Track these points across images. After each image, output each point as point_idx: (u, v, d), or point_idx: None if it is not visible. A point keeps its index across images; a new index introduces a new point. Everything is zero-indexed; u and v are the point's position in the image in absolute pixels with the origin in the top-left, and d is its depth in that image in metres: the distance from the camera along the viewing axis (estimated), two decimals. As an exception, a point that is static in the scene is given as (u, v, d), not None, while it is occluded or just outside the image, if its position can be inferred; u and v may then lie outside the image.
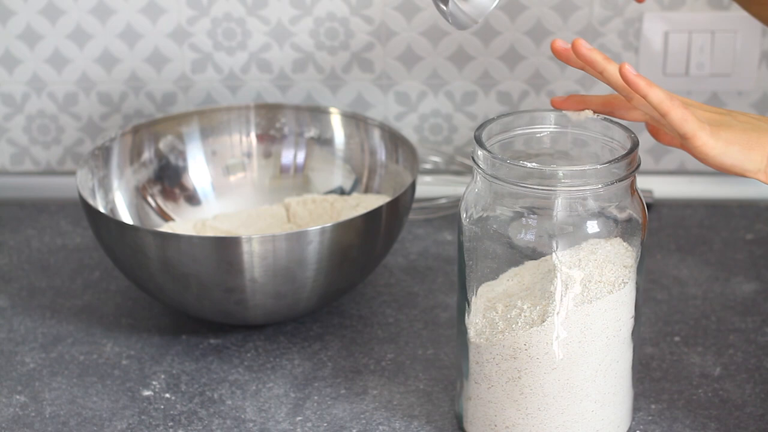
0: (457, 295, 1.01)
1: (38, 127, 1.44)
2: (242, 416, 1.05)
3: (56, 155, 1.46)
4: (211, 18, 1.38)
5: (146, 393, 1.08)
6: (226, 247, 1.07)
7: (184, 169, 1.29)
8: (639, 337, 0.99)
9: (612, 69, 0.91)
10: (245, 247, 1.06)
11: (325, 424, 1.04)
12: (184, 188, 1.29)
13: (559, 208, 0.92)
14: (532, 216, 0.93)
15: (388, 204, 1.12)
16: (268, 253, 1.07)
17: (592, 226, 0.93)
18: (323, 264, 1.09)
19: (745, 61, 1.37)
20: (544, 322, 0.93)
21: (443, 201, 1.38)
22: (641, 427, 1.03)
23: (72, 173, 1.43)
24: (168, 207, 1.28)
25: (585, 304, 0.93)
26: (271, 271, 1.08)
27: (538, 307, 0.94)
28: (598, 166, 0.91)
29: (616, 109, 0.98)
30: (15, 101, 1.43)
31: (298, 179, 1.31)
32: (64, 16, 1.39)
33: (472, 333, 0.97)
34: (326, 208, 1.26)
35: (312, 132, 1.31)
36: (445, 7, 0.99)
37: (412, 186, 1.16)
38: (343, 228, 1.09)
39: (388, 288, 1.24)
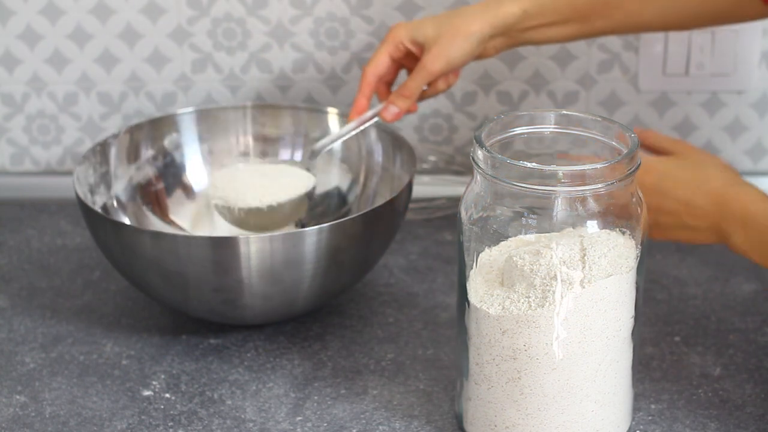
0: (457, 295, 1.01)
1: (38, 127, 1.44)
2: (242, 416, 1.05)
3: (56, 155, 1.46)
4: (211, 18, 1.38)
5: (146, 393, 1.08)
6: (223, 247, 1.07)
7: (182, 169, 1.29)
8: (639, 337, 0.99)
9: None
10: (242, 248, 1.06)
11: (325, 424, 1.04)
12: (181, 188, 1.29)
13: (559, 208, 0.92)
14: (532, 216, 0.93)
15: (386, 204, 1.12)
16: (265, 253, 1.07)
17: (592, 226, 0.93)
18: (320, 264, 1.09)
19: (745, 61, 1.37)
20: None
21: (443, 201, 1.38)
22: (641, 427, 1.03)
23: (72, 173, 1.42)
24: (166, 207, 1.27)
25: (585, 304, 0.93)
26: (268, 271, 1.08)
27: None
28: (598, 166, 0.91)
29: None
30: (15, 101, 1.43)
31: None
32: (64, 16, 1.39)
33: (472, 333, 0.97)
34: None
35: (309, 132, 1.31)
36: None
37: (409, 186, 1.16)
38: (340, 228, 1.08)
39: (388, 288, 1.24)
